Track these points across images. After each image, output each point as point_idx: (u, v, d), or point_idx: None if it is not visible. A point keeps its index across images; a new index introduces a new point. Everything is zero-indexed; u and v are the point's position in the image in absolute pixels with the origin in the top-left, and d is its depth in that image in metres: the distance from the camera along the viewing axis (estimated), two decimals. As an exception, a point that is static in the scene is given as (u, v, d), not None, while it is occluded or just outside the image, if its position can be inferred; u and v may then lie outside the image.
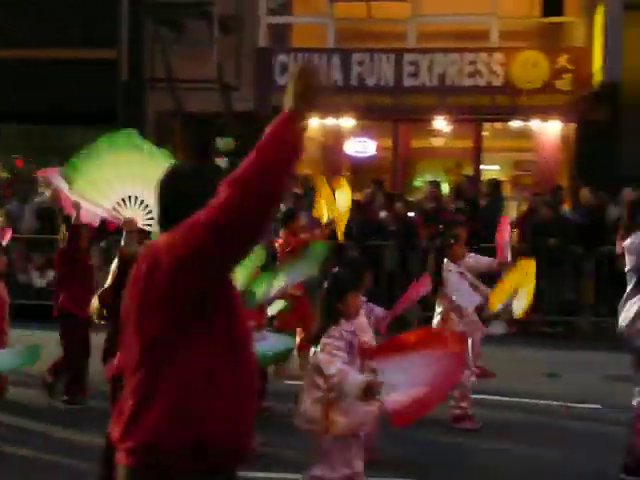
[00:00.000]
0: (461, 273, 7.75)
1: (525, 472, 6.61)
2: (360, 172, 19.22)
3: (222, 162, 18.19)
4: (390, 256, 13.58)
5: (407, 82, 17.16)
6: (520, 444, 7.28)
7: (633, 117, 16.34)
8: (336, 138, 18.81)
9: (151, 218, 5.52)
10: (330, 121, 18.00)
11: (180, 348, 2.78)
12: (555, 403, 8.52)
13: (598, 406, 8.65)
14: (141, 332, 2.85)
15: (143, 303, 2.85)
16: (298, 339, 9.04)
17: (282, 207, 10.09)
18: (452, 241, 7.82)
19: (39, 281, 14.19)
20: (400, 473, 6.42)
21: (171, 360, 2.78)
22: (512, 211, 16.22)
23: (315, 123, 18.10)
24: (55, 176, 7.13)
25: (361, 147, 18.52)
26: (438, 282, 7.52)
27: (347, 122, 17.91)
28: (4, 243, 9.48)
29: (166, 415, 2.75)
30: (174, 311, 2.79)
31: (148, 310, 2.83)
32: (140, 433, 2.77)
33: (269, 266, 7.12)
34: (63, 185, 6.42)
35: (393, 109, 17.30)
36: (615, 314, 6.56)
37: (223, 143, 17.11)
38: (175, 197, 3.00)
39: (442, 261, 7.73)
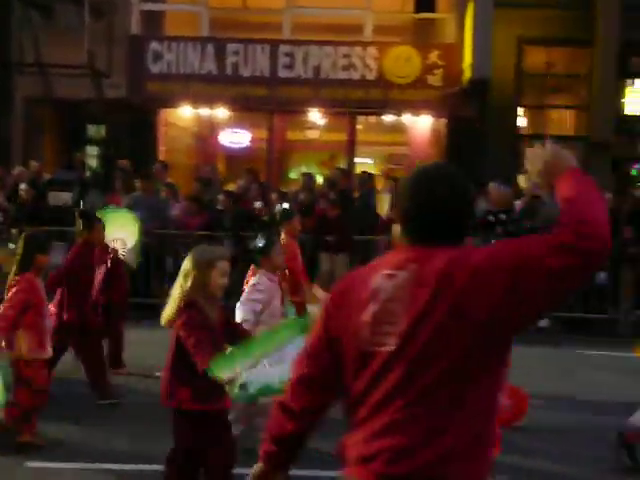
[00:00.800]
0: None
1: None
2: (235, 163, 19.15)
3: (93, 150, 17.83)
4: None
5: (282, 73, 17.18)
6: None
7: (500, 114, 16.86)
8: (210, 128, 18.66)
9: None
10: (204, 111, 17.85)
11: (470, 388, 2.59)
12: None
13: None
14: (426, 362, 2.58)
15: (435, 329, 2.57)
16: None
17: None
18: None
19: None
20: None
21: (461, 399, 2.58)
22: (385, 204, 16.50)
23: (189, 113, 17.92)
24: None
25: (236, 138, 18.43)
26: None
27: (221, 112, 17.80)
28: None
29: (447, 454, 2.56)
30: (483, 341, 2.56)
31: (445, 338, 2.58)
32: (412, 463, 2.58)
33: None
34: None
35: (268, 100, 17.29)
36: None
37: None
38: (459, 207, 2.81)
39: None
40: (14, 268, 6.91)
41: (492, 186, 14.25)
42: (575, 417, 8.08)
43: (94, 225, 8.44)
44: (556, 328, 12.21)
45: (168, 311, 5.14)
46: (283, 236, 9.15)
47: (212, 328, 5.10)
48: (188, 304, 5.07)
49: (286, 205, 9.41)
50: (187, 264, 5.15)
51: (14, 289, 6.79)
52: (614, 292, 12.89)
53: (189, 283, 5.08)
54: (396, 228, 2.38)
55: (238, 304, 6.51)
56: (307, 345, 2.92)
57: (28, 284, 6.79)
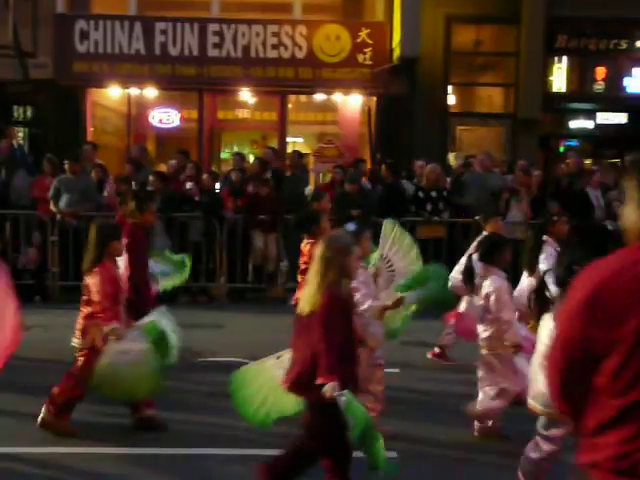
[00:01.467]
0: None
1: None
2: (165, 143, 18.99)
3: (19, 131, 17.49)
4: (195, 227, 13.52)
5: (211, 52, 17.06)
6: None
7: (430, 92, 16.99)
8: (139, 108, 18.46)
9: None
10: (133, 91, 17.64)
11: None
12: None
13: (396, 370, 9.02)
14: None
15: None
16: None
17: None
18: None
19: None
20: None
21: None
22: (316, 183, 16.55)
23: (117, 93, 17.69)
24: None
25: (166, 118, 18.27)
26: None
27: (151, 92, 17.61)
28: None
29: None
30: None
31: None
32: None
33: None
34: None
35: (197, 79, 17.17)
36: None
37: None
38: None
39: None
40: (89, 256, 6.79)
41: (419, 164, 14.41)
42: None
43: (147, 207, 8.22)
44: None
45: (309, 298, 5.03)
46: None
47: (351, 315, 5.12)
48: (331, 290, 4.97)
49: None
50: (324, 250, 5.05)
51: (97, 279, 6.64)
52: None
53: (330, 269, 4.99)
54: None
55: None
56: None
57: (109, 274, 6.71)
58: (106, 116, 18.80)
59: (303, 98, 18.60)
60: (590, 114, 18.48)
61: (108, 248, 6.75)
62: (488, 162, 14.38)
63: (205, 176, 14.02)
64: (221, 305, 13.13)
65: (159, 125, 18.33)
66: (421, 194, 13.56)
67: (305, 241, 7.90)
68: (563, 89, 17.95)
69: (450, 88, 17.79)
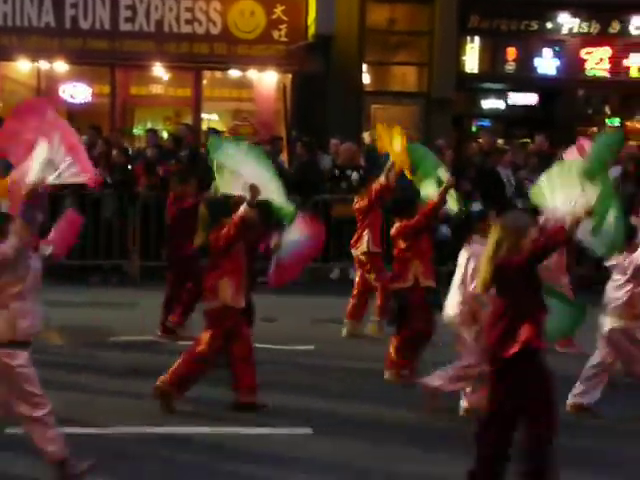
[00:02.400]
0: None
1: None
2: (76, 118, 18.58)
3: None
4: (107, 204, 13.29)
5: (123, 27, 16.76)
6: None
7: (345, 69, 17.02)
8: (50, 83, 18.01)
9: None
10: (44, 65, 17.21)
11: None
12: (273, 347, 8.79)
13: (311, 347, 9.07)
14: None
15: None
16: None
17: None
18: None
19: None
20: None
21: None
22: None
23: (27, 67, 17.24)
24: None
25: (76, 92, 17.86)
26: None
27: (61, 66, 17.20)
28: None
29: None
30: None
31: None
32: None
33: None
34: None
35: (109, 54, 16.85)
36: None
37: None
38: None
39: None
40: (201, 234, 6.88)
41: (334, 142, 14.44)
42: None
43: (189, 180, 9.13)
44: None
45: (482, 278, 5.11)
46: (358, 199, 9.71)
47: None
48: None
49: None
50: (500, 231, 5.08)
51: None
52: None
53: (503, 249, 5.01)
54: None
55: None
56: None
57: None
58: (15, 90, 18.30)
59: (218, 74, 18.41)
60: (502, 94, 18.79)
61: (221, 224, 6.76)
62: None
63: (115, 152, 13.78)
64: (134, 284, 12.96)
65: (70, 100, 17.92)
66: (337, 172, 13.61)
67: (397, 224, 7.93)
68: (475, 69, 18.20)
69: (365, 66, 17.85)
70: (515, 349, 4.90)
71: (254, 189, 6.64)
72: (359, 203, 9.61)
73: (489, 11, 17.52)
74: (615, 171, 13.90)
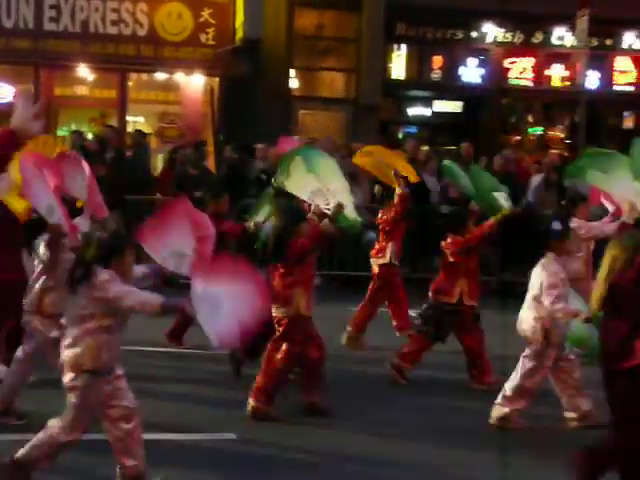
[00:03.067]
0: None
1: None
2: (-2, 119, 18.19)
3: None
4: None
5: (48, 26, 16.49)
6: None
7: (273, 74, 17.02)
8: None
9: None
10: (-36, 64, 16.85)
11: None
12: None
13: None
14: None
15: None
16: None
17: None
18: None
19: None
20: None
21: None
22: (158, 163, 16.30)
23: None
24: None
25: (-1, 92, 17.50)
26: None
27: (-17, 65, 16.86)
28: None
29: None
30: None
31: None
32: None
33: None
34: None
35: (33, 53, 16.56)
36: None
37: None
38: None
39: None
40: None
41: (260, 147, 14.41)
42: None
43: (222, 196, 9.10)
44: (331, 285, 12.60)
45: (598, 296, 5.21)
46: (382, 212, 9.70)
47: None
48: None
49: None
50: (616, 248, 5.22)
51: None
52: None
53: (618, 266, 5.14)
54: None
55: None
56: None
57: None
58: None
59: (144, 76, 18.24)
60: (427, 102, 19.03)
61: (295, 233, 6.83)
62: (329, 146, 14.53)
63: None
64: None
65: (-8, 100, 17.54)
66: (264, 176, 13.57)
67: (449, 240, 8.06)
68: (402, 76, 18.39)
69: (293, 72, 17.88)
70: (635, 362, 5.05)
71: (340, 206, 6.98)
72: (384, 215, 9.67)
73: (415, 19, 17.72)
74: (536, 179, 14.22)
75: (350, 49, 17.93)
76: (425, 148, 17.17)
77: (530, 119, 19.37)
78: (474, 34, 18.06)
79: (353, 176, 13.70)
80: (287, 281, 6.87)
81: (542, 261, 6.71)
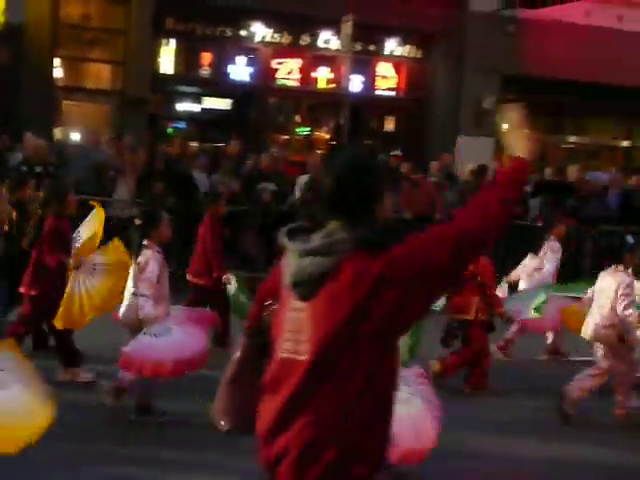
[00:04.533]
0: None
1: None
2: None
3: None
4: None
5: None
6: None
7: (36, 63, 16.37)
8: None
9: None
10: None
11: None
12: None
13: None
14: None
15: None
16: None
17: None
18: None
19: None
20: None
21: None
22: None
23: None
24: None
25: None
26: None
27: None
28: None
29: None
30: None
31: None
32: None
33: None
34: None
35: None
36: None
37: None
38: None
39: None
40: None
41: (28, 136, 13.85)
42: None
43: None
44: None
45: None
46: None
47: None
48: None
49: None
50: None
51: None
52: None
53: None
54: None
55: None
56: None
57: None
58: None
59: None
60: (196, 98, 18.96)
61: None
62: (94, 138, 14.25)
63: None
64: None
65: None
66: (25, 168, 13.03)
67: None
68: (171, 71, 18.22)
69: (58, 61, 17.26)
70: None
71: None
72: None
73: (185, 14, 17.62)
74: (302, 179, 14.56)
75: (118, 41, 17.55)
76: (194, 144, 17.19)
77: (298, 119, 19.77)
78: (243, 32, 18.19)
79: (119, 170, 13.49)
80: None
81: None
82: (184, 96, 18.95)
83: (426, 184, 14.77)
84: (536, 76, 17.57)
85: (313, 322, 2.81)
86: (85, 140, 14.10)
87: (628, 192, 15.47)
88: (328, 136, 19.15)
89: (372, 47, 18.72)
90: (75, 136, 14.39)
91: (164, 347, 6.33)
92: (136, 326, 6.72)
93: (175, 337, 6.43)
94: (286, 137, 19.26)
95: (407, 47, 18.93)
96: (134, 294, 6.84)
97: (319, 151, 17.17)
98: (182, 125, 19.15)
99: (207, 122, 19.02)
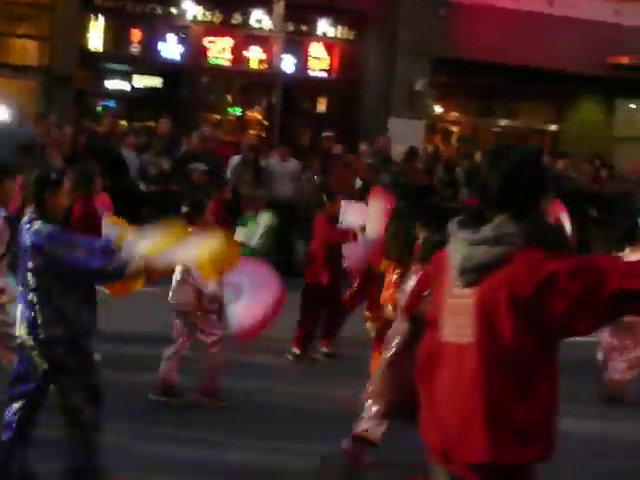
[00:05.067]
0: None
1: None
2: None
3: None
4: None
5: None
6: None
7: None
8: None
9: None
10: None
11: None
12: None
13: None
14: None
15: None
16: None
17: None
18: None
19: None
20: None
21: None
22: None
23: None
24: None
25: None
26: None
27: None
28: None
29: None
30: None
31: None
32: None
33: None
34: None
35: None
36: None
37: None
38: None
39: None
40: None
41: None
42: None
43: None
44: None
45: None
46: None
47: None
48: None
49: None
50: None
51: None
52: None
53: None
54: None
55: None
56: None
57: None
58: None
59: None
60: (126, 75, 18.63)
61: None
62: (20, 116, 13.93)
63: None
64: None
65: None
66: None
67: None
68: (100, 48, 17.87)
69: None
70: None
71: None
72: None
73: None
74: (235, 159, 14.46)
75: (44, 16, 17.12)
76: (124, 123, 16.91)
77: (230, 99, 19.58)
78: (174, 10, 17.91)
79: (27, 148, 13.00)
80: None
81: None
82: (113, 74, 18.60)
83: (360, 166, 14.74)
84: (467, 59, 17.67)
85: (478, 307, 3.04)
86: (10, 118, 13.75)
87: (555, 176, 15.67)
88: (260, 117, 19.01)
89: (304, 28, 18.61)
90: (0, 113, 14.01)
91: (253, 300, 6.33)
92: (195, 307, 7.02)
93: (249, 288, 6.39)
94: (218, 117, 19.06)
95: (339, 28, 18.86)
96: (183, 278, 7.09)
97: (252, 132, 17.06)
98: (111, 103, 18.81)
99: (137, 100, 18.72)
